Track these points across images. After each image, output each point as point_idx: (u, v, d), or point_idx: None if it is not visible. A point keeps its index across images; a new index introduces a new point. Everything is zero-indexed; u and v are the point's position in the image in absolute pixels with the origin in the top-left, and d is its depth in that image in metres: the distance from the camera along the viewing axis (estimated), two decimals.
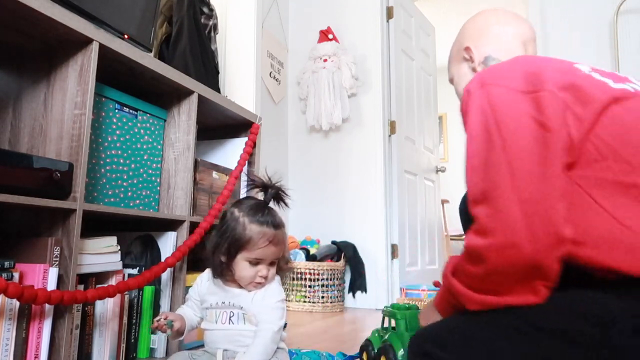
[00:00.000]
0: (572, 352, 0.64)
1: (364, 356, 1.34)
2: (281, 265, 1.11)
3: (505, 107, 0.72)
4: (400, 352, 1.20)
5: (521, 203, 0.65)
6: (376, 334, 1.33)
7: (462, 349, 0.70)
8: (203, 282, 1.12)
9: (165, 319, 1.05)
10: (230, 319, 1.05)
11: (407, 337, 1.22)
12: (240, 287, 1.07)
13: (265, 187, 1.12)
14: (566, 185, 0.67)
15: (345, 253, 2.84)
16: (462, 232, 4.42)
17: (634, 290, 0.64)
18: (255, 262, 1.04)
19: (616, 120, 0.68)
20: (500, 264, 0.66)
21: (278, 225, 1.07)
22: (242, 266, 1.04)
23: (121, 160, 1.34)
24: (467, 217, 0.79)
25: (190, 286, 1.43)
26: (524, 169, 0.67)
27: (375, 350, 1.29)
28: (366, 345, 1.33)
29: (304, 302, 2.66)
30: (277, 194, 1.11)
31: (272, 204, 1.12)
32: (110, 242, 1.24)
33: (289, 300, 2.67)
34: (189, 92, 1.51)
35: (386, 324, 1.35)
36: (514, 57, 0.85)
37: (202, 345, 1.13)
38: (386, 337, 1.26)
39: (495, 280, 0.69)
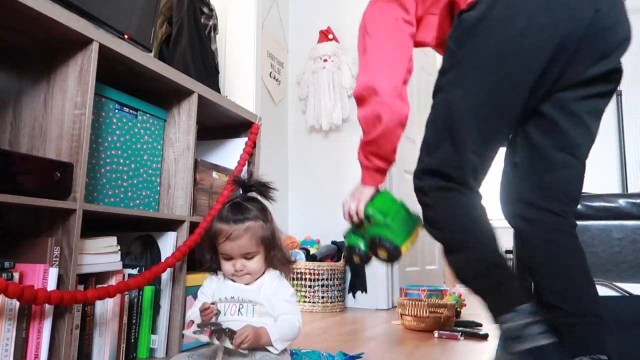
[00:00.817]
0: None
1: (355, 259, 1.28)
2: (274, 261, 1.13)
3: (371, 17, 1.19)
4: (389, 233, 1.19)
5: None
6: (352, 235, 1.29)
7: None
8: (214, 278, 1.15)
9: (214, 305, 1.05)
10: (239, 310, 1.07)
11: (390, 221, 1.21)
12: (247, 282, 1.11)
13: (242, 185, 1.18)
14: (410, 51, 1.18)
15: (345, 253, 2.84)
16: None
17: None
18: (227, 258, 1.10)
19: None
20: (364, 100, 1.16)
21: (238, 220, 1.09)
22: (221, 261, 1.11)
23: (121, 160, 1.34)
24: None
25: (190, 286, 1.44)
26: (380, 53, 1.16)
27: (364, 248, 1.25)
28: (350, 249, 1.28)
29: (304, 302, 2.66)
30: (257, 190, 1.16)
31: (265, 200, 1.17)
32: (110, 242, 1.24)
33: None
34: (189, 92, 1.51)
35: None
36: None
37: (201, 346, 1.14)
38: (369, 231, 1.23)
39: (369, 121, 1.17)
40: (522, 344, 0.91)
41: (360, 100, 1.17)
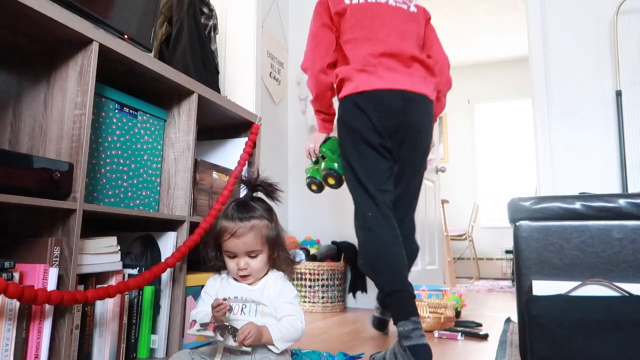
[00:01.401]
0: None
1: (313, 187, 1.89)
2: (278, 262, 1.13)
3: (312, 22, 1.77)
4: (335, 165, 1.77)
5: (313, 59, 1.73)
6: (312, 170, 1.88)
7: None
8: (217, 278, 1.16)
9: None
10: (242, 310, 1.08)
11: (336, 157, 1.75)
12: (250, 283, 1.11)
13: (248, 184, 1.18)
14: (331, 47, 1.71)
15: (346, 253, 2.84)
16: (462, 233, 4.39)
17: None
18: (232, 255, 1.10)
19: (353, 12, 1.67)
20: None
21: (244, 218, 1.09)
22: (225, 259, 1.12)
23: (121, 161, 1.34)
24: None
25: (190, 286, 1.44)
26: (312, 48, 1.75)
27: (319, 179, 1.84)
28: (311, 180, 1.88)
29: (304, 302, 2.66)
30: (264, 190, 1.17)
31: (270, 201, 1.18)
32: (110, 242, 1.24)
33: None
34: (189, 92, 1.51)
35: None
36: None
37: (201, 346, 1.14)
38: (324, 165, 1.79)
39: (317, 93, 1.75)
40: (410, 341, 1.34)
41: (305, 72, 1.77)
